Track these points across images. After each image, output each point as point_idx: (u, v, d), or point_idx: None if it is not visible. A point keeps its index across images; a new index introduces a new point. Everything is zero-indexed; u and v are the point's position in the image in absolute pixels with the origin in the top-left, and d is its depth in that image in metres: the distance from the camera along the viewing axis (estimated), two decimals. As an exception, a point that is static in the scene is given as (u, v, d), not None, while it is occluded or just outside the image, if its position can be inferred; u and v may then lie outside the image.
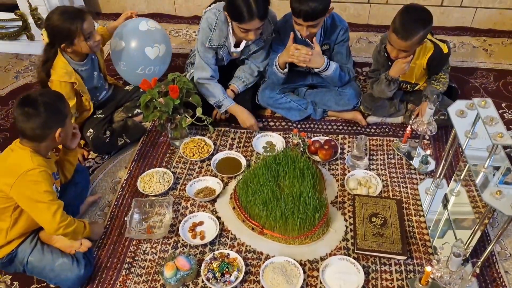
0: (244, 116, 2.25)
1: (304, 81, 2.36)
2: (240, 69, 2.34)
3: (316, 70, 2.14)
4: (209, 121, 2.03)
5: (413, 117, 2.07)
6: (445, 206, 1.90)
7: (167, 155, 2.19)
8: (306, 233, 1.74)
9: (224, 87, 2.28)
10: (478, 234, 1.64)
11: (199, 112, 2.03)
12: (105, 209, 1.96)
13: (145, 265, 1.73)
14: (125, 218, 1.84)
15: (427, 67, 2.12)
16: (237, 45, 2.21)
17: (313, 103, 2.34)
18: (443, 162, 1.83)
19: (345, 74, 2.21)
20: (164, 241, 1.81)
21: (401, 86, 2.23)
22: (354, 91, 2.26)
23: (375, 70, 2.19)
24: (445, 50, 2.05)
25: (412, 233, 1.81)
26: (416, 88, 2.24)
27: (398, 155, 2.15)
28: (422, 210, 1.89)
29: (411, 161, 2.10)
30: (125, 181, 2.06)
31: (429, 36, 2.07)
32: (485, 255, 1.56)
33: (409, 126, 2.03)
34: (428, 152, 2.08)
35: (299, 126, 2.34)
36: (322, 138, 2.20)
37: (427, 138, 2.21)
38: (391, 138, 2.24)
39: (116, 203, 1.97)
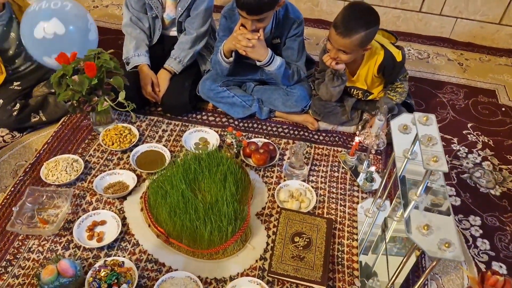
0: (147, 80, 2.04)
1: (253, 75, 2.13)
2: (174, 48, 2.11)
3: (258, 63, 1.90)
4: (131, 107, 1.78)
5: (360, 127, 1.84)
6: (383, 231, 1.68)
7: (86, 141, 1.94)
8: (216, 247, 1.51)
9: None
10: (410, 265, 1.42)
11: (121, 96, 1.78)
12: (0, 195, 1.71)
13: (26, 265, 1.49)
14: (13, 208, 1.59)
15: (381, 75, 1.90)
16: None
17: (259, 100, 2.11)
18: (384, 181, 1.61)
19: (293, 72, 1.98)
20: (55, 239, 1.57)
21: (351, 92, 2.01)
22: (303, 92, 2.03)
23: (322, 71, 1.96)
24: (399, 58, 1.83)
25: (340, 259, 1.58)
26: (371, 97, 2.02)
27: (343, 168, 1.93)
28: (356, 234, 1.67)
29: (356, 177, 1.88)
30: (29, 166, 1.81)
31: (383, 41, 1.85)
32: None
33: (356, 137, 1.81)
34: (373, 168, 1.86)
35: (241, 124, 2.11)
36: (261, 140, 1.97)
37: (379, 152, 1.99)
38: (339, 149, 2.02)
39: (12, 189, 1.72)
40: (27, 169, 1.80)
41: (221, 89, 2.06)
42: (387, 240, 1.59)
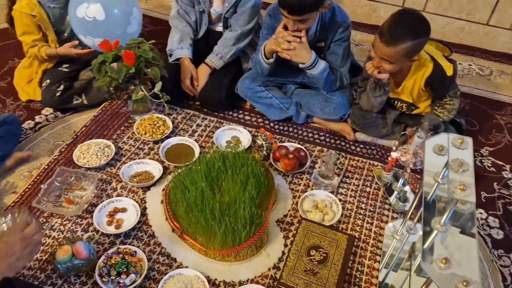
0: (186, 73, 2.04)
1: (295, 78, 2.06)
2: (217, 44, 2.09)
3: (301, 66, 1.84)
4: (165, 99, 1.78)
5: (397, 143, 1.72)
6: (410, 256, 1.56)
7: (122, 128, 1.98)
8: (229, 250, 1.48)
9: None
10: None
11: (157, 87, 1.79)
12: (34, 172, 1.78)
13: (46, 242, 1.53)
14: (41, 186, 1.65)
15: (429, 89, 1.77)
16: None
17: (298, 104, 2.04)
18: (416, 202, 1.49)
19: (335, 79, 1.89)
20: (76, 221, 1.61)
21: (395, 105, 1.89)
22: (343, 100, 1.93)
23: (366, 79, 1.86)
24: (449, 72, 1.69)
25: (358, 279, 1.49)
26: (416, 111, 1.88)
27: (377, 184, 1.82)
28: (379, 255, 1.57)
29: (389, 195, 1.76)
30: (65, 147, 1.88)
31: (434, 53, 1.72)
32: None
33: (393, 153, 1.70)
34: (408, 188, 1.73)
35: (276, 126, 2.06)
36: (293, 145, 1.91)
37: (418, 171, 1.86)
38: (376, 163, 1.91)
39: (46, 167, 1.79)
40: (63, 149, 1.86)
41: (260, 89, 2.02)
42: (412, 269, 1.47)
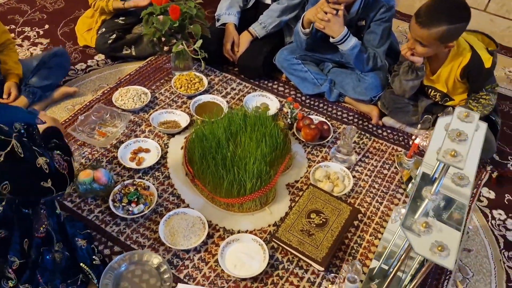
0: (229, 38, 2.12)
1: (333, 56, 2.08)
2: (263, 13, 2.15)
3: (331, 40, 1.86)
4: (203, 55, 1.88)
5: (419, 126, 1.69)
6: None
7: (162, 81, 2.11)
8: (233, 199, 1.54)
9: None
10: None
11: (197, 44, 1.89)
12: (76, 106, 1.95)
13: (74, 166, 1.69)
14: (79, 116, 1.81)
15: (466, 81, 1.72)
16: None
17: (332, 81, 2.06)
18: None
19: (368, 57, 1.89)
20: (104, 152, 1.75)
21: (428, 93, 1.85)
22: (376, 81, 1.93)
23: (401, 63, 1.83)
24: (487, 64, 1.63)
25: (354, 251, 1.50)
26: (450, 103, 1.84)
27: (395, 168, 1.80)
28: (382, 233, 1.56)
29: (408, 182, 1.74)
30: (108, 89, 2.03)
31: (476, 44, 1.67)
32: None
33: (415, 137, 1.68)
34: (424, 174, 1.70)
35: (307, 101, 2.09)
36: (318, 118, 1.93)
37: (441, 163, 1.81)
38: (399, 149, 1.89)
39: (88, 104, 1.95)
40: (105, 91, 2.02)
41: (296, 61, 2.06)
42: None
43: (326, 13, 1.76)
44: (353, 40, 1.83)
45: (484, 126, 1.21)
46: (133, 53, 2.19)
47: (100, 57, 2.23)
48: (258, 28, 2.12)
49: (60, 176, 1.11)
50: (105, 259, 1.41)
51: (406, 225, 1.04)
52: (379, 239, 1.55)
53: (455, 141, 1.05)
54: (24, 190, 1.05)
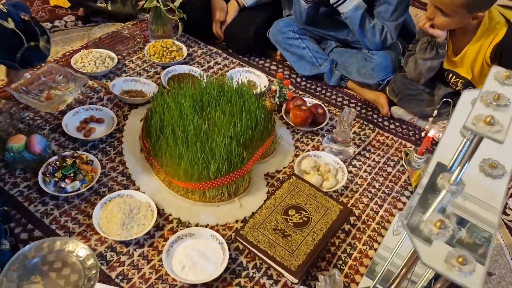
0: (219, 5, 1.83)
1: (337, 33, 1.77)
2: None
3: (331, 1, 1.56)
4: (180, 15, 1.58)
5: (435, 113, 1.37)
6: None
7: (135, 48, 1.80)
8: (194, 183, 1.22)
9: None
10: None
11: (177, 2, 1.60)
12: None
13: (10, 132, 1.38)
14: (25, 74, 1.51)
15: (498, 64, 1.39)
16: None
17: (333, 62, 1.74)
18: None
19: (374, 27, 1.59)
20: (49, 119, 1.44)
21: (449, 79, 1.52)
22: (385, 60, 1.61)
23: (417, 42, 1.51)
24: (528, 42, 1.31)
25: (341, 262, 1.17)
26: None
27: (402, 166, 1.47)
28: (379, 243, 1.23)
29: (415, 187, 1.41)
30: (71, 51, 1.74)
31: (508, 13, 1.34)
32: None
33: (428, 128, 1.35)
34: (438, 174, 1.37)
35: (303, 83, 1.77)
36: (312, 101, 1.61)
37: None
38: (409, 144, 1.56)
39: (43, 65, 1.65)
40: (67, 53, 1.72)
41: (293, 35, 1.75)
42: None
43: None
44: (355, 1, 1.53)
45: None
46: (109, 8, 1.90)
47: (70, 18, 1.94)
48: None
49: None
50: (18, 245, 1.10)
51: (411, 224, 0.72)
52: (375, 249, 1.21)
53: (491, 106, 0.72)
54: None
